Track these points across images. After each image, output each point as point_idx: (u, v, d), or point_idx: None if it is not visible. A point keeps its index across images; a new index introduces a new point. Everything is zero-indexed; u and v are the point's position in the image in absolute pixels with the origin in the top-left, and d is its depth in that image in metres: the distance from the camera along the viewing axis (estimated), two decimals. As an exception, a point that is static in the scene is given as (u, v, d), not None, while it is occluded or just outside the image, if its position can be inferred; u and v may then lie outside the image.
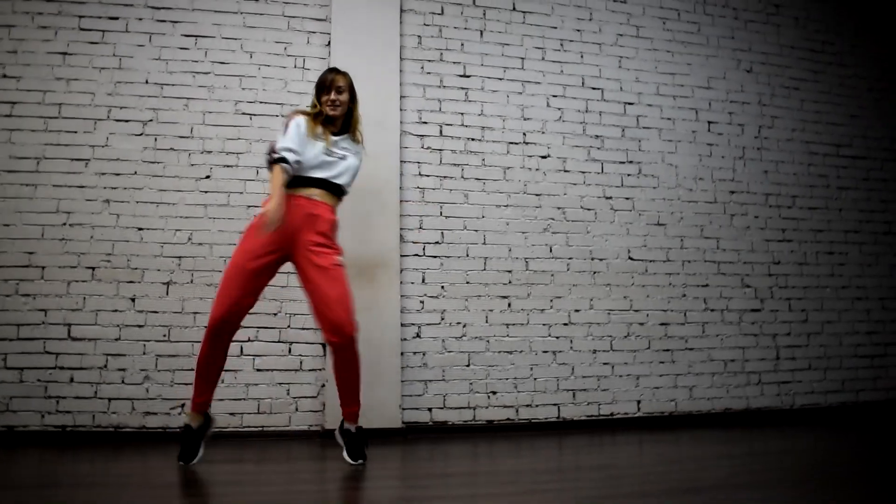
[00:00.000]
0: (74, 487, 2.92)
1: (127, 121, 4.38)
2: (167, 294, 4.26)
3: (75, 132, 4.33)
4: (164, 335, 4.22)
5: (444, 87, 4.76)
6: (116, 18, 4.47)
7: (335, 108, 3.40)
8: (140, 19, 4.49)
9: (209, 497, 2.77)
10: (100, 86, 4.40)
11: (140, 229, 4.29)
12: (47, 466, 3.44)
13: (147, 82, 4.44)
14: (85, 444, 3.96)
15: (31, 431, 4.03)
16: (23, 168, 4.25)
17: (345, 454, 3.38)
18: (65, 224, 4.24)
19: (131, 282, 4.24)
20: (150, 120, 4.40)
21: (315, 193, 3.32)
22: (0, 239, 4.16)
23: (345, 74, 3.48)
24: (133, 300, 4.23)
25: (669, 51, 5.20)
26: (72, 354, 4.13)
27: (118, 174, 4.32)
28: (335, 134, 3.44)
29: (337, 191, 3.42)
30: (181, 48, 4.51)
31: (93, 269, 4.22)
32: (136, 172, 4.33)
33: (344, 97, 3.42)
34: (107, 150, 4.33)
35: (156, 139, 4.38)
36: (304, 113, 3.42)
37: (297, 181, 3.28)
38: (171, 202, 4.33)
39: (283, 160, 3.21)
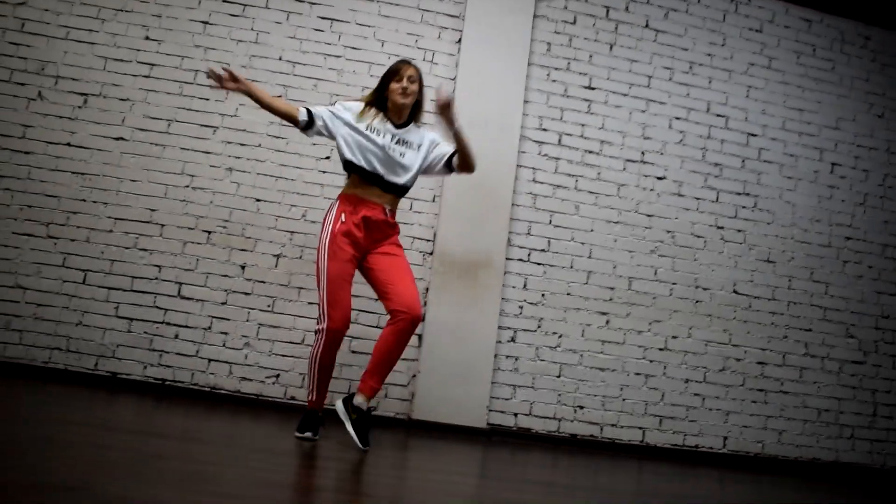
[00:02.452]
0: (168, 438, 3.01)
1: (258, 94, 4.50)
2: (276, 266, 4.37)
3: (207, 99, 4.48)
4: (269, 306, 4.33)
5: (568, 96, 4.75)
6: (258, -6, 4.61)
7: (406, 96, 3.33)
8: (281, -3, 4.62)
9: (294, 466, 2.81)
10: (235, 57, 4.54)
11: (258, 200, 4.41)
12: (144, 415, 3.55)
13: (280, 59, 4.56)
14: (181, 400, 4.09)
15: (132, 380, 4.19)
16: (154, 128, 4.43)
17: (352, 432, 3.15)
18: (187, 186, 4.39)
19: (244, 250, 4.36)
20: (280, 95, 4.51)
21: (385, 200, 3.34)
22: (126, 193, 4.34)
23: (417, 68, 3.40)
24: (243, 268, 4.35)
25: (800, 86, 5.07)
26: (179, 312, 4.28)
27: (243, 144, 4.45)
28: (399, 126, 3.38)
29: (401, 192, 3.42)
30: (316, 29, 4.62)
31: (209, 232, 4.36)
32: (260, 145, 4.46)
33: (415, 87, 3.35)
34: (235, 120, 4.47)
35: (283, 115, 4.48)
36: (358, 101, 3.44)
37: (365, 180, 3.31)
38: (290, 178, 4.44)
39: (309, 111, 3.31)
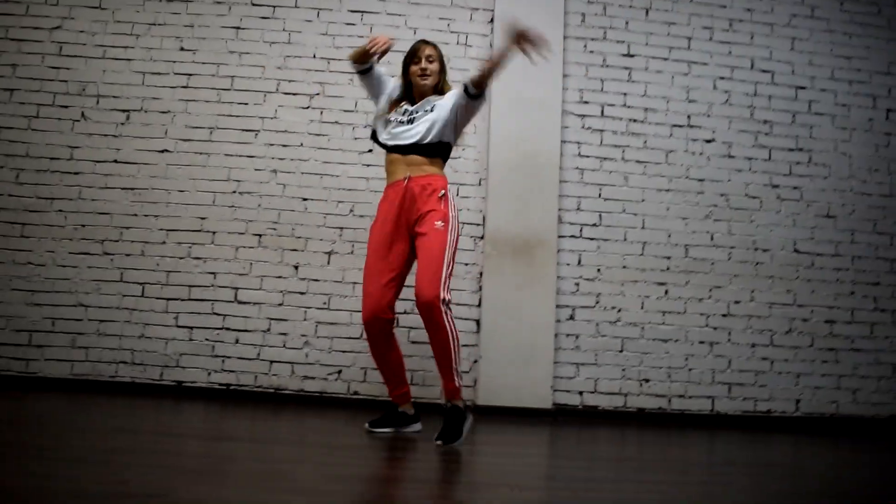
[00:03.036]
0: (238, 441, 3.03)
1: (295, 94, 4.52)
2: (328, 263, 4.37)
3: (246, 104, 4.50)
4: (325, 303, 4.34)
5: (607, 66, 4.65)
6: (287, -7, 4.61)
7: (425, 78, 3.30)
8: (309, -5, 4.62)
9: (364, 460, 2.80)
10: (270, 59, 4.55)
11: (304, 199, 4.42)
12: (212, 421, 3.59)
13: (314, 57, 4.56)
14: (246, 403, 4.13)
15: (197, 387, 4.24)
16: (197, 137, 4.46)
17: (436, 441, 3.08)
18: (234, 192, 4.41)
19: (295, 250, 4.37)
20: (317, 94, 4.51)
21: (405, 171, 3.25)
22: (175, 204, 4.38)
23: (435, 46, 3.37)
24: (296, 268, 4.37)
25: (847, 33, 4.88)
26: (238, 317, 4.31)
27: (285, 146, 4.46)
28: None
29: (418, 151, 3.26)
30: (347, 23, 4.60)
31: (259, 236, 4.38)
32: (302, 144, 4.46)
33: (434, 66, 3.32)
34: (275, 122, 4.48)
35: (321, 112, 4.49)
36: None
37: (387, 153, 3.33)
38: (334, 174, 4.44)
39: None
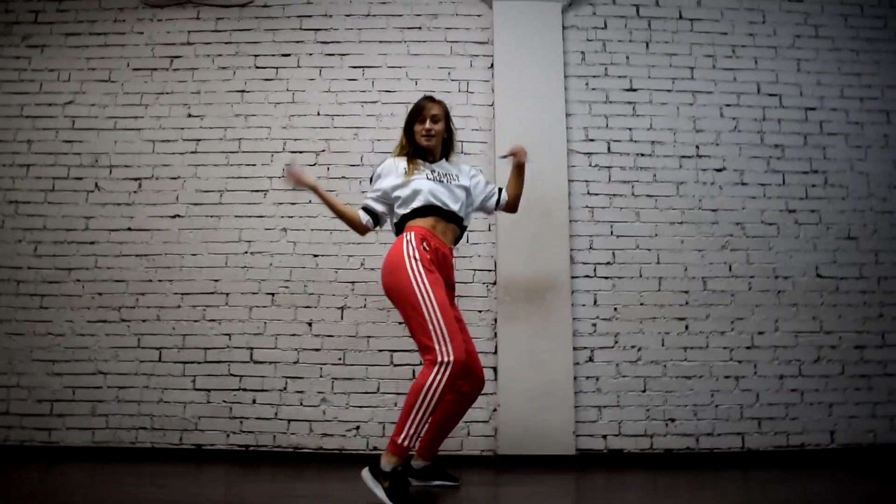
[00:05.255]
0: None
1: (301, 152, 4.57)
2: (342, 318, 4.37)
3: (254, 165, 4.56)
4: (340, 359, 4.32)
5: (611, 102, 4.62)
6: (288, 55, 4.70)
7: (430, 139, 3.23)
8: (310, 54, 4.69)
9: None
10: (275, 120, 4.61)
11: (315, 256, 4.44)
12: (233, 484, 3.56)
13: (319, 114, 4.61)
14: (266, 463, 4.10)
15: (217, 450, 4.24)
16: (208, 201, 4.52)
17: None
18: (246, 252, 4.45)
19: (308, 307, 4.38)
20: (323, 150, 4.56)
21: (448, 240, 3.21)
22: (189, 268, 4.43)
23: (440, 103, 3.28)
24: (310, 324, 4.36)
25: (853, 49, 4.79)
26: (254, 377, 4.32)
27: (294, 203, 4.50)
28: (433, 162, 3.30)
29: (457, 221, 3.25)
30: (349, 79, 4.65)
31: (272, 294, 4.40)
32: (310, 201, 4.48)
33: (439, 126, 3.24)
34: (283, 181, 4.51)
35: (328, 168, 4.53)
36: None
37: (427, 216, 3.14)
38: (343, 229, 4.39)
39: (365, 208, 3.27)
